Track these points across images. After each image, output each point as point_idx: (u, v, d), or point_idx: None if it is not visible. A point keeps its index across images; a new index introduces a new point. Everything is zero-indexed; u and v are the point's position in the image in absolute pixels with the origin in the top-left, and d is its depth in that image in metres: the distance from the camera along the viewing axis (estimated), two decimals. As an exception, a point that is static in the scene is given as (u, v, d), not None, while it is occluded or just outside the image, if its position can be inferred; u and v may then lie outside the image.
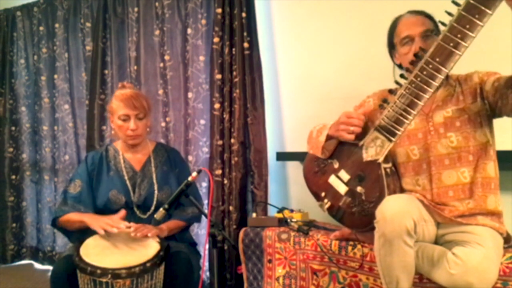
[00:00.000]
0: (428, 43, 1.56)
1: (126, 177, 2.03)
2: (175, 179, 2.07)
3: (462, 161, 1.56)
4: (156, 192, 2.01)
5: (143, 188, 2.02)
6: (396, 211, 1.40)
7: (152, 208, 2.00)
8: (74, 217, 1.91)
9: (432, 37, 1.56)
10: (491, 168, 1.57)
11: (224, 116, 2.55)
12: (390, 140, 1.54)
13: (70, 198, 1.98)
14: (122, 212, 1.83)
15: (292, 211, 2.15)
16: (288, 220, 2.03)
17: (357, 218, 1.65)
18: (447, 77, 1.62)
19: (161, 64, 2.82)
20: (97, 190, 2.01)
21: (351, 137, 1.59)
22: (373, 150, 1.59)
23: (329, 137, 1.69)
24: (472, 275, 1.35)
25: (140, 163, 2.08)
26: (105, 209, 1.96)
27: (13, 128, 3.53)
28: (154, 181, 2.03)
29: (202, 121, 2.73)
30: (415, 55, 1.48)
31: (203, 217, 2.14)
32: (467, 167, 1.56)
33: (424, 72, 1.43)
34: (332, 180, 1.73)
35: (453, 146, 1.57)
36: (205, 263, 2.37)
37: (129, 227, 1.78)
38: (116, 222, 1.76)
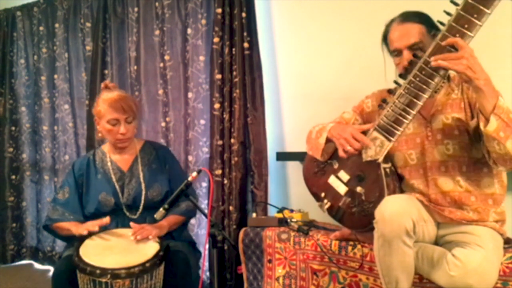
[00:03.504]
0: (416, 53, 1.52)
1: (114, 179, 2.03)
2: (165, 176, 2.07)
3: (456, 170, 1.55)
4: (143, 191, 2.01)
5: (131, 188, 2.02)
6: (395, 212, 1.40)
7: (141, 207, 2.00)
8: (62, 225, 1.97)
9: (421, 50, 1.52)
10: (486, 184, 1.54)
11: (224, 116, 2.54)
12: (389, 140, 1.54)
13: (59, 205, 2.01)
14: (107, 218, 1.84)
15: (292, 211, 2.14)
16: (288, 220, 2.03)
17: (357, 218, 1.65)
18: (449, 79, 1.60)
19: (161, 64, 2.82)
20: (87, 194, 2.02)
21: (344, 155, 1.58)
22: (372, 150, 1.59)
23: (328, 140, 1.68)
24: (472, 277, 1.35)
25: (128, 164, 2.08)
26: (97, 212, 1.97)
27: (13, 128, 3.52)
28: (141, 180, 2.03)
29: (202, 121, 2.72)
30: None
31: (203, 217, 2.14)
32: (462, 177, 1.54)
33: (423, 72, 1.44)
34: (332, 180, 1.73)
35: (449, 154, 1.55)
36: (205, 263, 2.37)
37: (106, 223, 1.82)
38: (98, 222, 1.81)
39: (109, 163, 2.06)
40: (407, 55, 1.55)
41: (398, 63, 1.60)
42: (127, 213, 2.00)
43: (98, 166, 2.07)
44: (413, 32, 1.55)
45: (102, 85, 2.08)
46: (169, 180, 2.06)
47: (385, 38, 1.67)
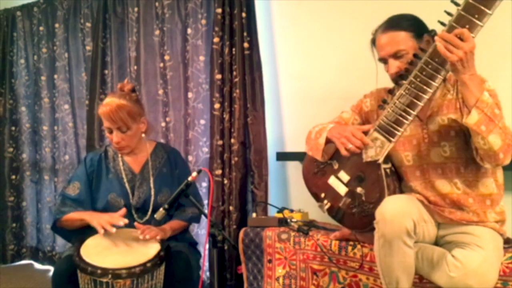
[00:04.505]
0: (402, 60, 1.54)
1: (125, 180, 2.01)
2: (175, 181, 2.05)
3: (454, 172, 1.55)
4: (152, 195, 2.00)
5: (142, 191, 2.01)
6: (396, 212, 1.40)
7: (149, 212, 1.98)
8: (74, 215, 1.90)
9: (405, 56, 1.53)
10: (484, 185, 1.54)
11: (224, 116, 2.54)
12: (389, 141, 1.54)
13: (69, 200, 1.97)
14: (123, 210, 1.82)
15: (292, 211, 2.15)
16: (288, 220, 2.03)
17: (357, 219, 1.65)
18: (444, 79, 1.59)
19: (161, 64, 2.82)
20: (96, 192, 2.01)
21: (346, 153, 1.57)
22: (372, 150, 1.59)
23: (328, 140, 1.67)
24: (472, 278, 1.36)
25: (139, 165, 2.06)
26: (105, 212, 1.95)
27: (13, 128, 3.52)
28: (151, 184, 2.02)
29: (202, 121, 2.72)
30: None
31: (203, 217, 2.13)
32: (459, 179, 1.54)
33: (424, 73, 1.43)
34: (332, 181, 1.73)
35: (446, 156, 1.55)
36: (205, 263, 2.37)
37: (125, 224, 1.78)
38: (116, 219, 1.76)
39: (121, 164, 2.05)
40: (392, 64, 1.56)
41: (387, 71, 1.61)
42: (135, 216, 1.98)
43: (109, 165, 2.05)
44: (396, 40, 1.55)
45: (119, 85, 2.04)
46: (178, 184, 2.04)
47: (374, 45, 1.67)
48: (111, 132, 1.95)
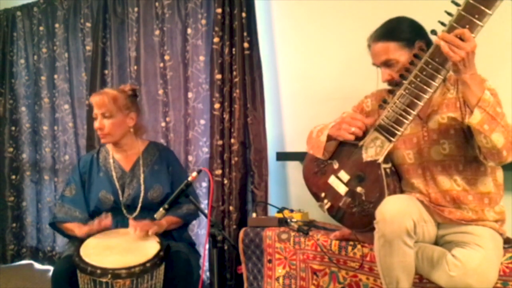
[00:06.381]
0: (393, 69, 1.57)
1: (115, 177, 2.04)
2: (167, 178, 2.08)
3: (453, 169, 1.55)
4: (142, 192, 2.01)
5: (132, 188, 2.02)
6: (396, 212, 1.40)
7: (138, 208, 2.00)
8: (68, 226, 2.00)
9: (396, 65, 1.56)
10: (483, 183, 1.55)
11: (224, 116, 2.54)
12: (389, 141, 1.54)
13: (67, 202, 2.04)
14: (108, 219, 1.90)
15: (292, 211, 2.14)
16: (288, 220, 2.03)
17: (357, 219, 1.65)
18: (444, 79, 1.59)
19: (161, 64, 2.82)
20: (89, 192, 2.05)
21: (351, 137, 1.59)
22: (372, 150, 1.59)
23: (329, 138, 1.68)
24: (472, 277, 1.36)
25: (130, 163, 2.08)
26: (97, 210, 2.00)
27: (13, 128, 3.52)
28: (141, 181, 2.03)
29: (202, 121, 2.73)
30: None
31: (203, 217, 2.14)
32: (459, 176, 1.55)
33: (424, 73, 1.44)
34: (332, 180, 1.73)
35: (445, 153, 1.56)
36: (205, 263, 2.37)
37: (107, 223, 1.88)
38: (96, 225, 1.85)
39: (111, 161, 2.07)
40: (383, 72, 1.61)
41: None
42: (125, 212, 2.00)
43: (101, 164, 2.08)
44: (385, 50, 1.59)
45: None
46: (171, 182, 2.06)
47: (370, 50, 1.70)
48: (96, 119, 2.00)
